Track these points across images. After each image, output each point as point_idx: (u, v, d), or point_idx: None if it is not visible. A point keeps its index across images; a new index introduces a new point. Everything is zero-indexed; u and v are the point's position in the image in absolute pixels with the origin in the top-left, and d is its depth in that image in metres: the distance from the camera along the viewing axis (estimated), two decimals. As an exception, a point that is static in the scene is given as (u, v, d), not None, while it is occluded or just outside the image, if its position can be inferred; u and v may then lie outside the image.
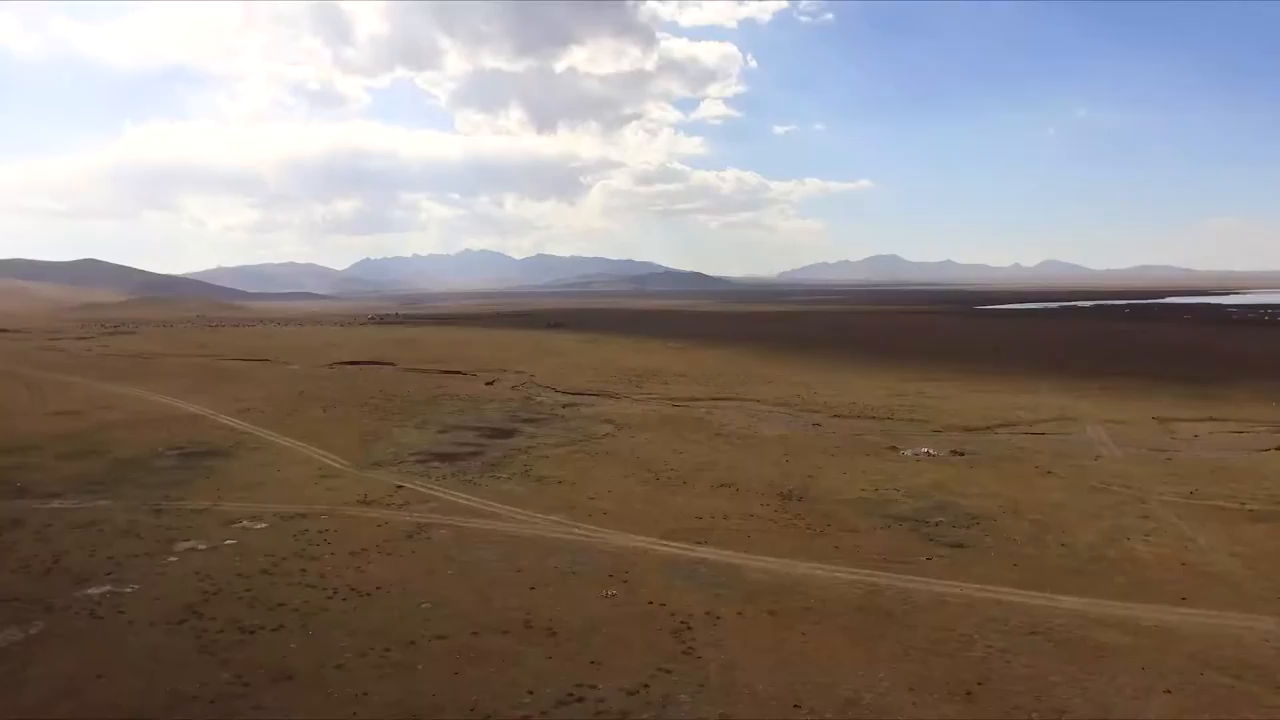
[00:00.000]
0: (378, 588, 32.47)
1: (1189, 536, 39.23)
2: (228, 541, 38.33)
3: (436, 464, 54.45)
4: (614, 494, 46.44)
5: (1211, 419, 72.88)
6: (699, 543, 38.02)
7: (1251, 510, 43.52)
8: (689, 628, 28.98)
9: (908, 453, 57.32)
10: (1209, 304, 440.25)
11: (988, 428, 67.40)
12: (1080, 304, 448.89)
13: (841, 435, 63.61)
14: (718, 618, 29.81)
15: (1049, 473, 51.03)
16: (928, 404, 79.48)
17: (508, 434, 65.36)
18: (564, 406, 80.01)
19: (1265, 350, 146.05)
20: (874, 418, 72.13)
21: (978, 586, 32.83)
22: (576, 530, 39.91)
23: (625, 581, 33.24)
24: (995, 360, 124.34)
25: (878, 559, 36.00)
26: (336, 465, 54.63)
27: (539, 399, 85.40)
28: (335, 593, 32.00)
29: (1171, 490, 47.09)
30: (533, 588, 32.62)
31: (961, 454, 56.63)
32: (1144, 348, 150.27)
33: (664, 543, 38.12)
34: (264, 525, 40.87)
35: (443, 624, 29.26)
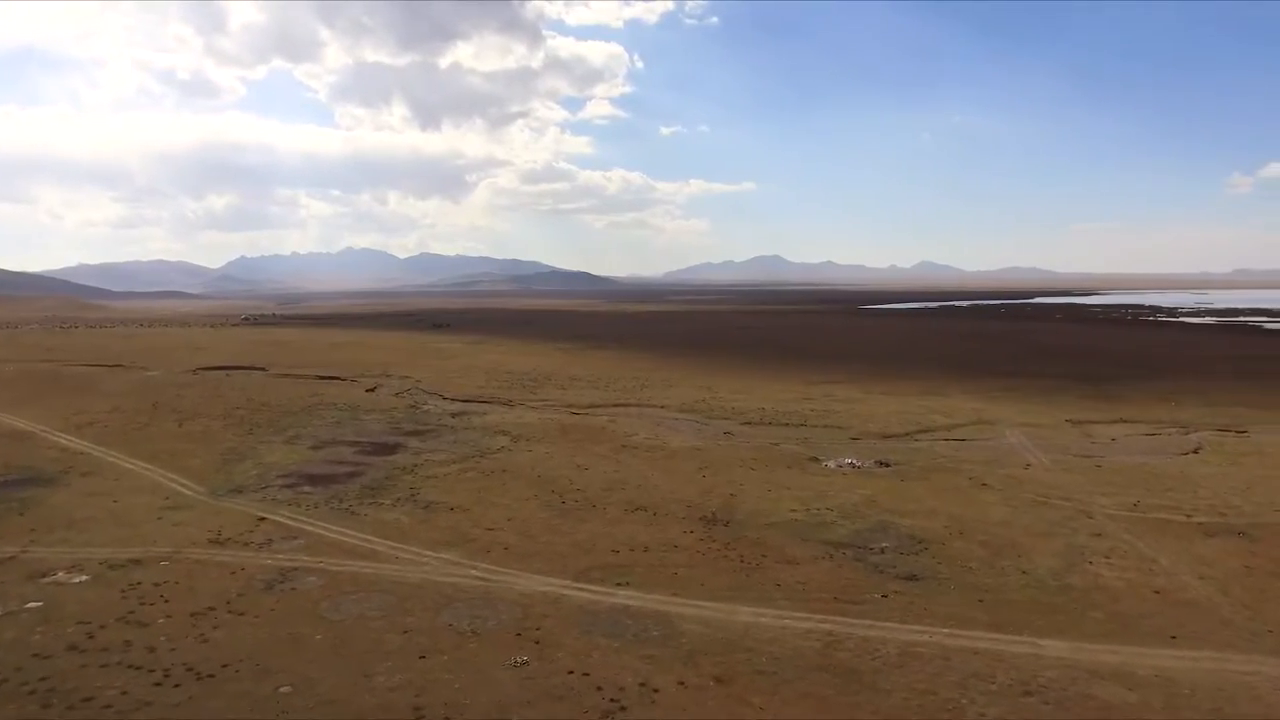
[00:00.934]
0: (224, 665, 25.56)
1: (1149, 557, 35.97)
2: (30, 604, 30.21)
3: (308, 488, 47.04)
4: (515, 522, 40.40)
5: (1121, 420, 71.65)
6: (619, 584, 32.47)
7: (1200, 524, 40.77)
8: (622, 707, 23.39)
9: (831, 464, 53.18)
10: (1075, 304, 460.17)
11: (907, 434, 64.08)
12: (958, 304, 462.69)
13: (757, 445, 59.10)
14: (655, 690, 24.31)
15: (984, 485, 47.55)
16: (839, 408, 76.00)
17: (391, 449, 58.32)
18: (453, 415, 73.16)
19: (1140, 349, 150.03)
20: (787, 424, 68.03)
21: (947, 632, 28.38)
22: (473, 572, 33.75)
23: (536, 642, 27.35)
24: (896, 361, 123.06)
25: (827, 598, 31.23)
26: (188, 493, 46.70)
27: (426, 407, 78.24)
28: (167, 676, 24.89)
29: (1113, 502, 44.17)
30: (423, 656, 26.33)
31: (887, 465, 52.84)
32: (1034, 348, 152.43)
33: (578, 586, 32.42)
34: (84, 578, 33.03)
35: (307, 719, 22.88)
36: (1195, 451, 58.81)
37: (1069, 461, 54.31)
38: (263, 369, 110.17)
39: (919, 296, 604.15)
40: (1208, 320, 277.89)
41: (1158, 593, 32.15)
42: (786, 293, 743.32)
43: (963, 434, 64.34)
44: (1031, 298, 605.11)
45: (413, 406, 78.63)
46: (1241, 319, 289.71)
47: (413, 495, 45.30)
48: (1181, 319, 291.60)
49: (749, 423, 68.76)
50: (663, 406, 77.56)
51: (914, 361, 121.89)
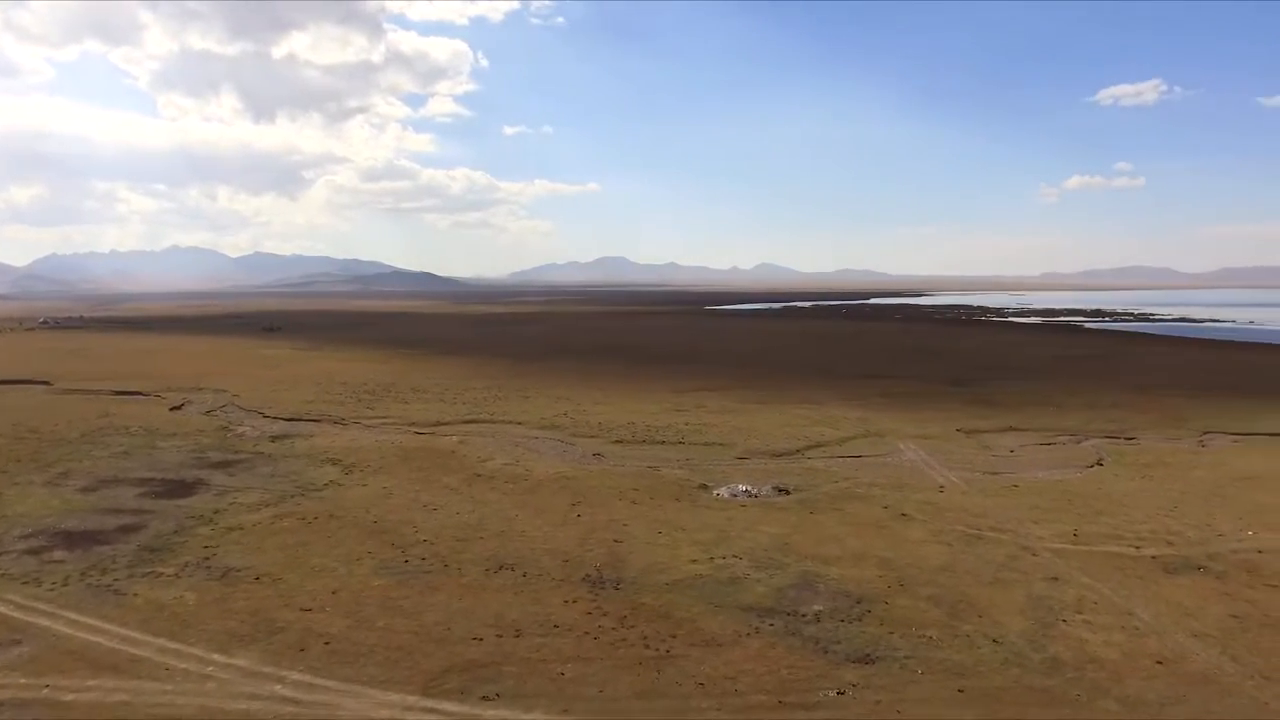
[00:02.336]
0: None
1: (1123, 608, 30.12)
2: None
3: (60, 554, 35.27)
4: (342, 596, 30.80)
5: (1011, 429, 67.76)
6: (486, 698, 23.63)
7: (1154, 558, 35.57)
8: None
9: (723, 492, 45.79)
10: (910, 304, 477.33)
11: (797, 451, 57.57)
12: (800, 304, 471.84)
13: (634, 470, 51.14)
14: None
15: (904, 515, 41.20)
16: (716, 421, 69.03)
17: (188, 489, 46.95)
18: (274, 439, 61.82)
19: (989, 349, 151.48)
20: (663, 442, 60.42)
21: (940, 753, 21.21)
22: (279, 688, 24.05)
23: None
24: (762, 365, 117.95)
25: (769, 702, 23.46)
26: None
27: (241, 429, 66.35)
28: None
29: (1050, 532, 38.62)
30: None
31: (787, 491, 45.93)
32: (891, 349, 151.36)
33: (430, 704, 23.39)
34: None
35: None
36: (1100, 463, 54.83)
37: (981, 481, 48.96)
38: (45, 383, 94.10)
39: (762, 297, 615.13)
40: (1034, 320, 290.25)
41: (1160, 663, 26.06)
42: (633, 293, 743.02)
43: (856, 449, 58.38)
44: (868, 298, 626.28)
45: (225, 428, 66.52)
46: (1062, 319, 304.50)
47: (207, 559, 34.64)
48: (1010, 319, 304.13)
49: (620, 441, 60.70)
50: (520, 423, 68.45)
51: (780, 366, 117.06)
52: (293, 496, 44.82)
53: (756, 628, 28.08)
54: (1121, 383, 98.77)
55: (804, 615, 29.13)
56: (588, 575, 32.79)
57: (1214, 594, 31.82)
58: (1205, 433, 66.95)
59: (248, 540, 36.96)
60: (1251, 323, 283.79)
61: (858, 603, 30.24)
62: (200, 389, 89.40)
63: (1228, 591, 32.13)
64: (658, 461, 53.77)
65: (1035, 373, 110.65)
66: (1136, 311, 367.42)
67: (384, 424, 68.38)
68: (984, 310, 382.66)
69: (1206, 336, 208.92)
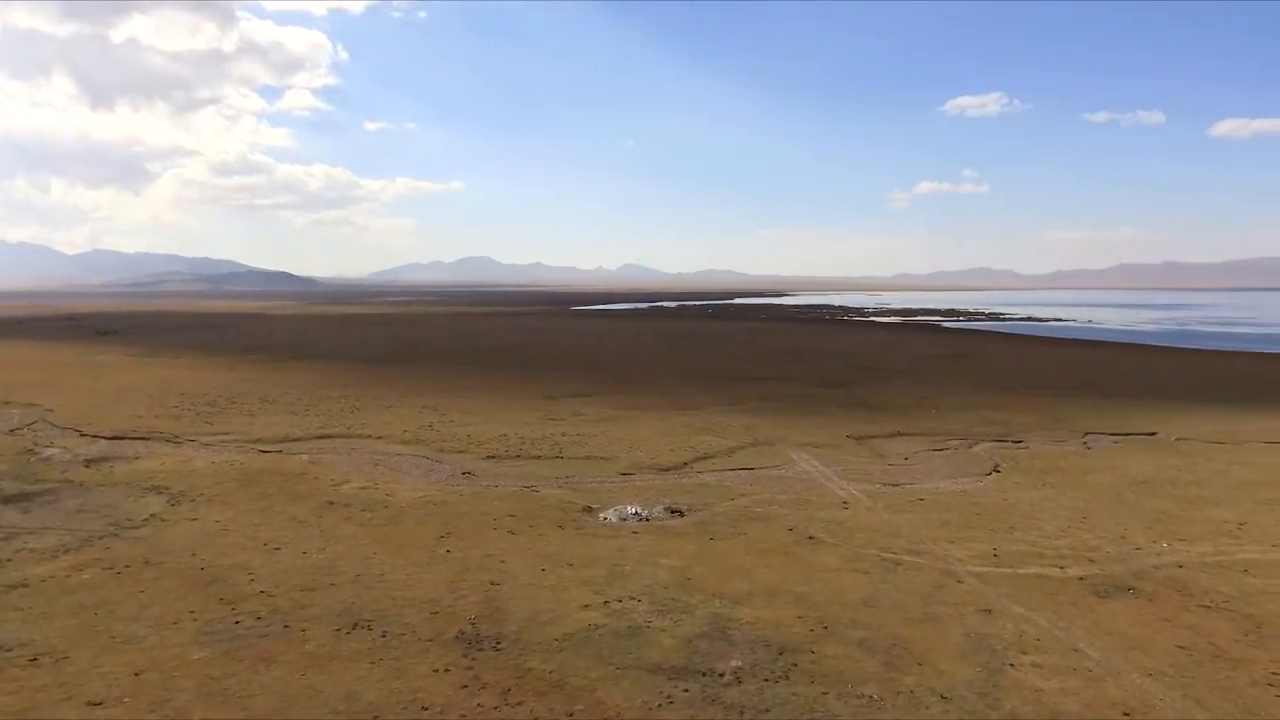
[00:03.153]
0: None
1: (1069, 644, 26.95)
2: None
3: None
4: (146, 679, 24.06)
5: (899, 434, 65.68)
6: (331, 824, 18.32)
7: (1080, 579, 32.93)
8: None
9: (611, 516, 41.05)
10: (774, 304, 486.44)
11: (685, 464, 53.37)
12: (666, 304, 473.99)
13: (509, 491, 45.75)
14: None
15: (812, 538, 37.43)
16: (595, 432, 64.25)
17: (-32, 530, 39.02)
18: (89, 463, 53.34)
19: (859, 348, 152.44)
20: (539, 456, 55.22)
21: None
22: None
23: None
24: (635, 367, 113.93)
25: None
26: None
27: (49, 451, 57.32)
28: None
29: (967, 553, 35.62)
30: None
31: (681, 512, 41.58)
32: (763, 350, 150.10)
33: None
34: None
35: None
36: (996, 470, 52.88)
37: (884, 494, 45.91)
38: None
39: (629, 297, 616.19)
40: (894, 320, 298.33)
41: (1128, 715, 22.86)
42: (500, 294, 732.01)
43: (747, 460, 54.69)
44: (733, 298, 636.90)
45: (29, 451, 57.30)
46: (920, 318, 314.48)
47: (-27, 629, 27.64)
48: (871, 318, 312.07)
49: (492, 456, 55.13)
50: (381, 437, 61.81)
51: (656, 368, 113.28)
52: (101, 538, 37.44)
53: (669, 696, 23.40)
54: (991, 382, 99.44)
55: (721, 675, 24.67)
56: (461, 631, 27.37)
57: (1153, 621, 29.16)
58: (1087, 434, 66.58)
59: (32, 603, 29.71)
60: (1090, 322, 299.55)
61: (780, 654, 26.00)
62: (6, 403, 78.53)
63: (1165, 617, 29.55)
64: (535, 480, 48.54)
65: (906, 373, 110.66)
66: (987, 311, 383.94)
67: (224, 441, 60.51)
68: (846, 310, 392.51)
69: (1055, 335, 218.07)
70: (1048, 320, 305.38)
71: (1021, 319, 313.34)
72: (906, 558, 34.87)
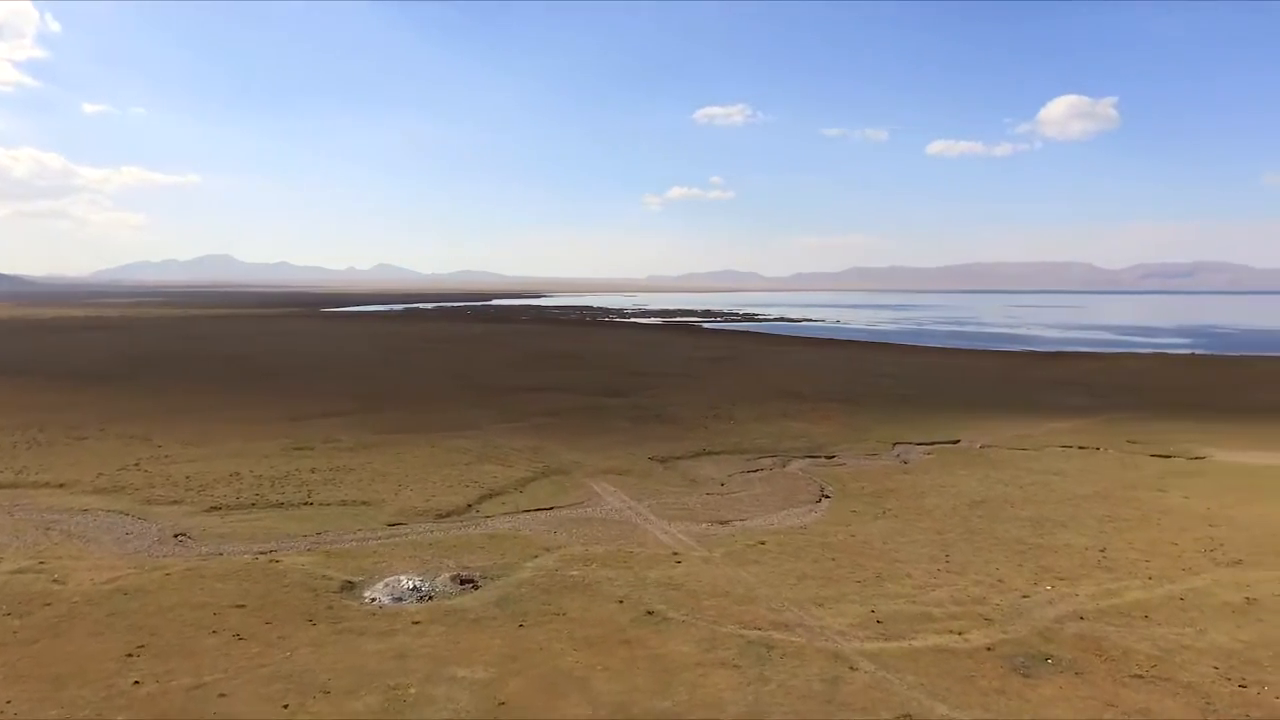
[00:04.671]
0: None
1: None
2: None
3: None
4: None
5: (705, 452, 58.83)
6: None
7: (989, 648, 26.44)
8: None
9: (382, 595, 30.63)
10: (534, 305, 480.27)
11: (469, 506, 43.31)
12: (423, 306, 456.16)
13: (239, 565, 33.76)
14: None
15: (650, 613, 28.79)
16: (354, 464, 52.62)
17: None
18: None
19: (631, 351, 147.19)
20: (282, 504, 43.25)
21: None
22: None
23: None
24: (397, 378, 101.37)
25: None
26: None
27: None
28: None
29: (845, 620, 28.41)
30: None
31: (474, 583, 31.80)
32: (535, 354, 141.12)
33: None
34: None
35: None
36: (825, 496, 46.90)
37: (715, 536, 38.31)
38: None
39: (383, 298, 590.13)
40: (655, 321, 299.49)
41: None
42: (241, 294, 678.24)
43: (542, 496, 45.50)
44: (491, 299, 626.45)
45: None
46: (679, 319, 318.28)
47: None
48: (632, 319, 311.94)
49: (218, 508, 42.53)
50: (62, 485, 46.95)
51: (419, 378, 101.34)
52: None
53: None
54: (776, 388, 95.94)
55: None
56: None
57: (1098, 708, 22.98)
58: (895, 444, 62.84)
59: None
60: (839, 322, 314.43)
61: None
62: None
63: (1108, 700, 23.43)
64: (275, 540, 36.90)
65: (683, 377, 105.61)
66: (741, 312, 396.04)
67: None
68: (606, 311, 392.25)
69: (816, 336, 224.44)
70: (799, 320, 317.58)
71: (775, 319, 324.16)
72: (777, 635, 27.10)
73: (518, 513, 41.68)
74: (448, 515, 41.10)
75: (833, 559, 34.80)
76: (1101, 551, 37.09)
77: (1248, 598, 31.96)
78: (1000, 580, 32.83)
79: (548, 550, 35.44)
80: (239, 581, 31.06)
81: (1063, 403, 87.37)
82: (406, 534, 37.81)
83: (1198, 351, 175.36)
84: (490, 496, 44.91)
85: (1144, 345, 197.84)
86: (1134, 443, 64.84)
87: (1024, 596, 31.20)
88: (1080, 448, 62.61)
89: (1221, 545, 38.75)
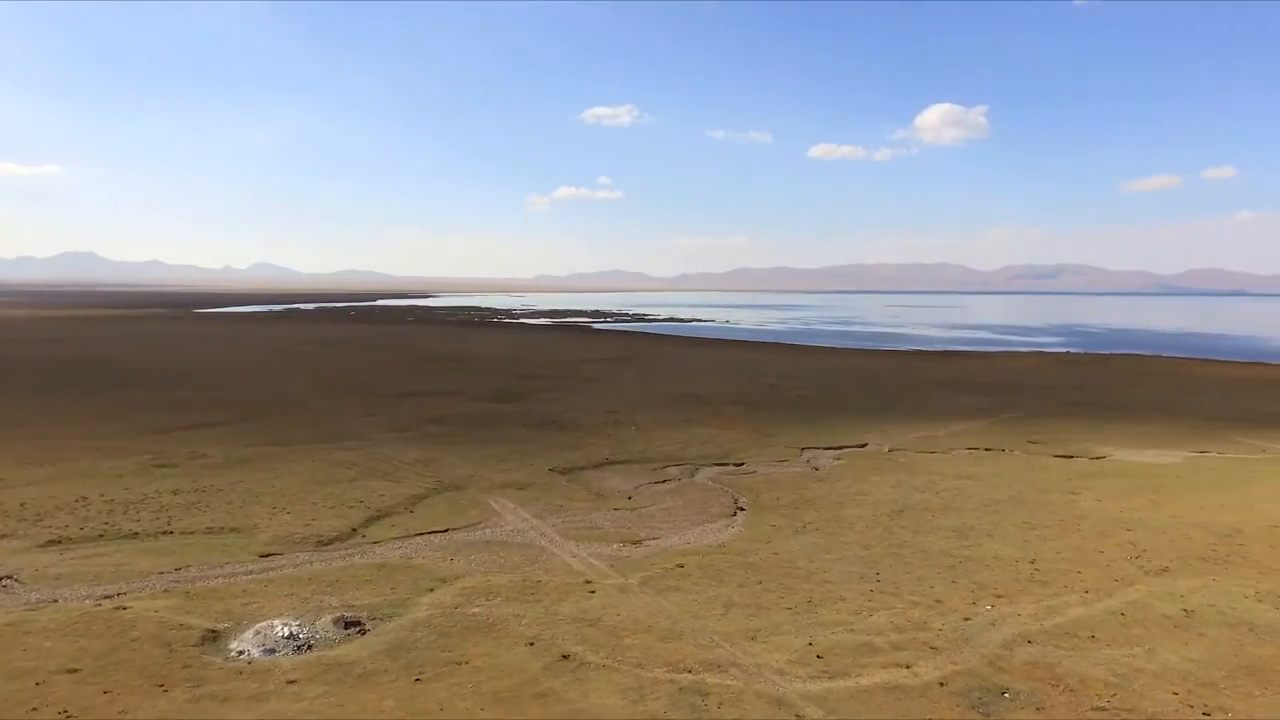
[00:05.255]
0: None
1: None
2: None
3: None
4: None
5: (609, 461, 55.68)
6: None
7: (940, 682, 23.99)
8: None
9: (251, 647, 26.23)
10: (419, 306, 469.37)
11: (353, 530, 38.90)
12: (303, 306, 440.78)
13: (77, 613, 28.26)
14: None
15: (566, 658, 25.42)
16: (222, 484, 47.24)
17: None
18: None
19: (520, 353, 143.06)
20: (136, 534, 37.84)
21: None
22: None
23: None
24: (275, 385, 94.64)
25: None
26: None
27: None
28: None
29: (784, 656, 25.52)
30: None
31: (360, 626, 27.74)
32: (424, 358, 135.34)
33: None
34: None
35: None
36: (741, 509, 44.28)
37: (629, 559, 35.12)
38: None
39: (262, 299, 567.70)
40: (543, 321, 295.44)
41: None
42: (106, 294, 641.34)
43: (436, 516, 41.43)
44: (375, 300, 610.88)
45: None
46: (568, 320, 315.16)
47: None
48: (520, 320, 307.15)
49: (58, 541, 36.86)
50: None
51: (297, 385, 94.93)
52: None
53: None
54: (675, 391, 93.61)
55: None
56: None
57: (1068, 756, 20.81)
58: (804, 449, 60.98)
59: None
60: (728, 322, 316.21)
61: None
62: None
63: (1074, 744, 21.36)
64: (125, 581, 31.84)
65: (579, 380, 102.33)
66: (631, 312, 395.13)
67: None
68: (494, 312, 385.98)
69: (704, 336, 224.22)
70: (690, 320, 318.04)
71: (665, 320, 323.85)
72: (710, 679, 24.09)
73: (409, 537, 37.56)
74: (330, 542, 36.69)
75: (759, 582, 32.07)
76: (1032, 563, 35.53)
77: (1184, 609, 30.70)
78: (938, 601, 30.69)
79: (445, 582, 31.59)
80: (75, 637, 26.19)
81: (957, 402, 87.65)
82: (282, 567, 33.32)
83: (1072, 350, 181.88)
84: (378, 518, 40.61)
85: (1021, 344, 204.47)
86: (1035, 443, 64.76)
87: (966, 619, 29.09)
88: (986, 449, 62.05)
89: (1145, 552, 37.77)
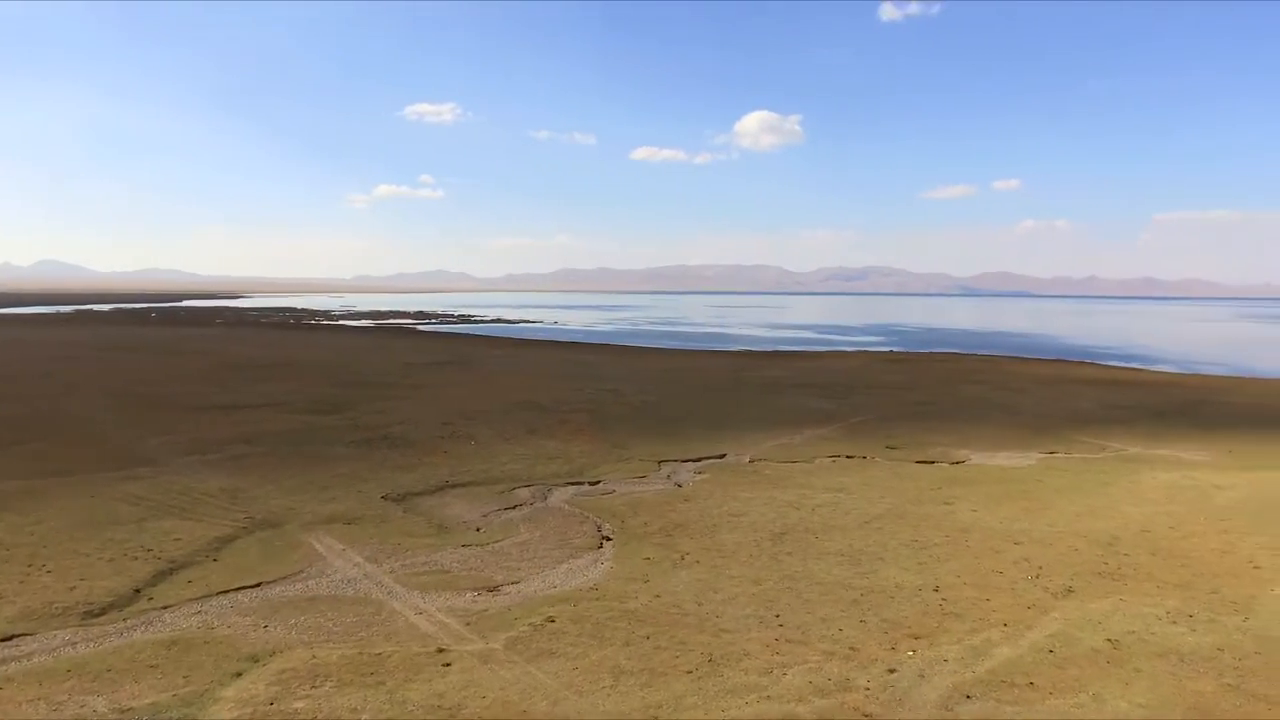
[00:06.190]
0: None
1: None
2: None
3: None
4: None
5: (449, 484, 49.27)
6: None
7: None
8: None
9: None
10: (230, 307, 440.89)
11: (134, 593, 30.62)
12: (98, 308, 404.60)
13: None
14: None
15: (421, 770, 19.56)
16: (-36, 529, 37.96)
17: None
18: None
19: (341, 357, 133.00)
20: None
21: None
22: None
23: None
24: (47, 394, 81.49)
25: None
26: None
27: None
28: None
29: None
30: None
31: (138, 734, 20.79)
32: (231, 366, 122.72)
33: None
34: None
35: None
36: (607, 539, 39.17)
37: (487, 613, 29.27)
38: None
39: (48, 299, 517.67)
40: (366, 323, 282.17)
41: None
42: None
43: (244, 565, 33.98)
44: (181, 300, 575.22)
45: None
46: (392, 321, 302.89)
47: None
48: (341, 321, 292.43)
49: None
50: None
51: (82, 396, 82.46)
52: None
53: None
54: (508, 397, 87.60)
55: None
56: None
57: None
58: (660, 463, 56.62)
59: None
60: (556, 323, 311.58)
61: None
62: None
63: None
64: None
65: (407, 387, 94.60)
66: (457, 313, 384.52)
67: None
68: (312, 313, 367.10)
69: (534, 337, 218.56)
70: (517, 321, 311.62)
71: (492, 320, 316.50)
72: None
73: (210, 596, 30.17)
74: (103, 611, 28.86)
75: (647, 637, 27.02)
76: (936, 591, 32.22)
77: (1109, 640, 28.01)
78: (853, 649, 26.60)
79: (256, 661, 24.78)
80: None
81: (804, 405, 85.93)
82: (31, 654, 25.40)
83: (894, 349, 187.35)
84: (171, 572, 32.88)
85: (845, 343, 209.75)
86: (893, 448, 63.04)
87: (890, 670, 25.10)
88: (848, 457, 59.62)
89: (1042, 569, 35.37)
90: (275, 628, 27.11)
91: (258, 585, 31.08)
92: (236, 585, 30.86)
